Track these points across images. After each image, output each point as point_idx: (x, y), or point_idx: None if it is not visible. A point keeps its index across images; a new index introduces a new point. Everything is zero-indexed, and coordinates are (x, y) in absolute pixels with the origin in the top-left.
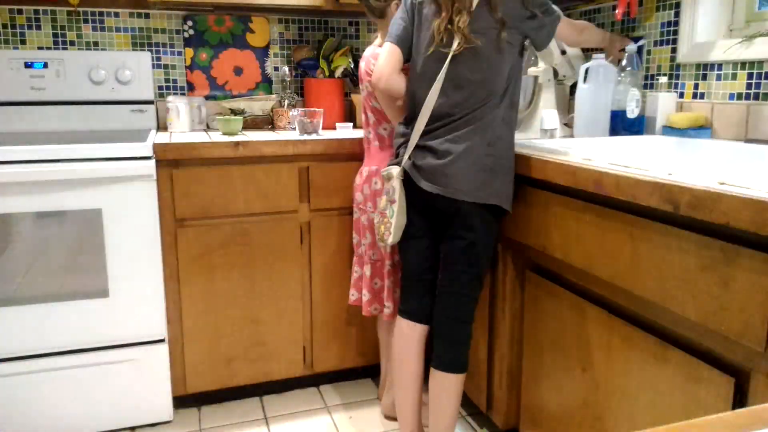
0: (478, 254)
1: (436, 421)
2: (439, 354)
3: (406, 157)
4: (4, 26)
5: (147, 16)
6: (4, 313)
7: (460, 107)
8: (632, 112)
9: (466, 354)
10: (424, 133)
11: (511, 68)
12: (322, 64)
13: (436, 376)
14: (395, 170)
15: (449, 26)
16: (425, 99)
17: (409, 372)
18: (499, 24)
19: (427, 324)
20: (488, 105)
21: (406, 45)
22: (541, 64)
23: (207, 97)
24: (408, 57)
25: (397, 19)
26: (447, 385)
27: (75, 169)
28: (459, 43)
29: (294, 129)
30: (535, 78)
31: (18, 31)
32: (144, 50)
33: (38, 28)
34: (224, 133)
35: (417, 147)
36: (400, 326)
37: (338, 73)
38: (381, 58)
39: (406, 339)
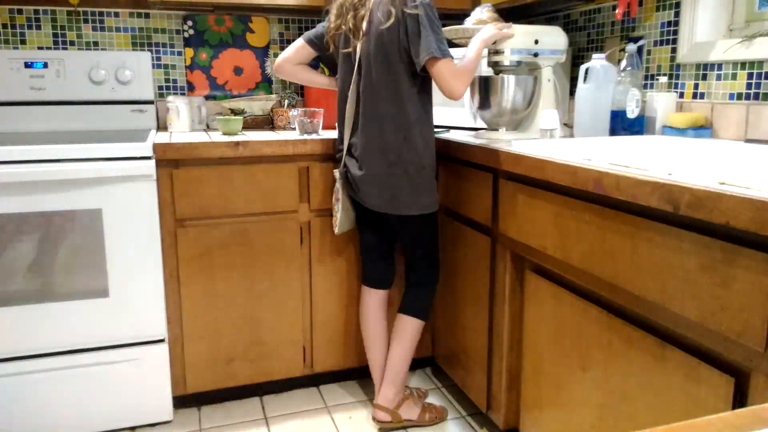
0: (417, 242)
1: (389, 359)
2: (402, 301)
3: (341, 165)
4: (4, 26)
5: (147, 16)
6: (4, 313)
7: (357, 127)
8: (632, 112)
9: (422, 302)
10: (348, 148)
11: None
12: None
13: (397, 318)
14: (337, 174)
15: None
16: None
17: (370, 330)
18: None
19: (383, 289)
20: (382, 125)
21: None
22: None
23: (207, 97)
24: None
25: None
26: (399, 326)
27: (75, 169)
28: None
29: (294, 129)
30: (535, 78)
31: (18, 31)
32: (144, 50)
33: (38, 28)
34: (224, 133)
35: (346, 156)
36: (362, 292)
37: None
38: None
39: (365, 302)
